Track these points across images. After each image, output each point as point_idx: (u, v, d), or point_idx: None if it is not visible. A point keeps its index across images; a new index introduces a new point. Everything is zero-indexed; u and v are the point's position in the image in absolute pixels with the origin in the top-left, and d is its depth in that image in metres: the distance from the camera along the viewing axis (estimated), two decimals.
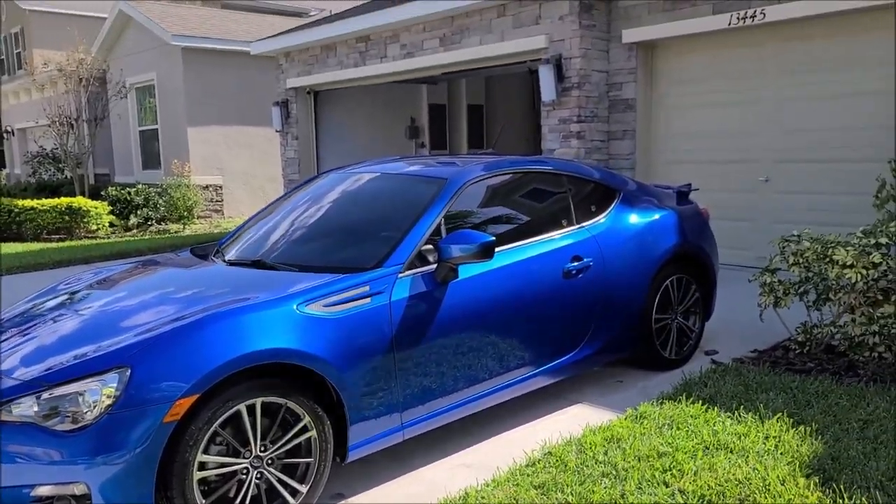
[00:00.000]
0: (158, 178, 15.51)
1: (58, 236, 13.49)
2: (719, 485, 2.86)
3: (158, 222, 14.41)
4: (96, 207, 13.71)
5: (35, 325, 3.15)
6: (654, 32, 7.68)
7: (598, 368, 4.40)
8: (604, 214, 4.24)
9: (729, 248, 6.89)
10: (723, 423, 3.46)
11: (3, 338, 3.08)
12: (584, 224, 4.11)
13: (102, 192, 14.94)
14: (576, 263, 3.89)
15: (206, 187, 15.62)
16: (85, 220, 13.49)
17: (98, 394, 2.49)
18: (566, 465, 3.13)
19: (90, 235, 13.57)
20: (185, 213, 14.41)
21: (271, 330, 2.79)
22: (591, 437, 3.39)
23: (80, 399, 2.49)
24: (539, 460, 3.22)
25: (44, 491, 2.46)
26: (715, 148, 7.67)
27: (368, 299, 3.09)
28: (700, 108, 7.77)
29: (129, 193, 14.51)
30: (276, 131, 12.68)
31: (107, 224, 13.83)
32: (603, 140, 8.38)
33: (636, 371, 4.47)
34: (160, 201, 14.34)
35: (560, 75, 8.01)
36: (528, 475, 3.07)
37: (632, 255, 4.21)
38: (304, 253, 3.66)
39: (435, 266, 3.33)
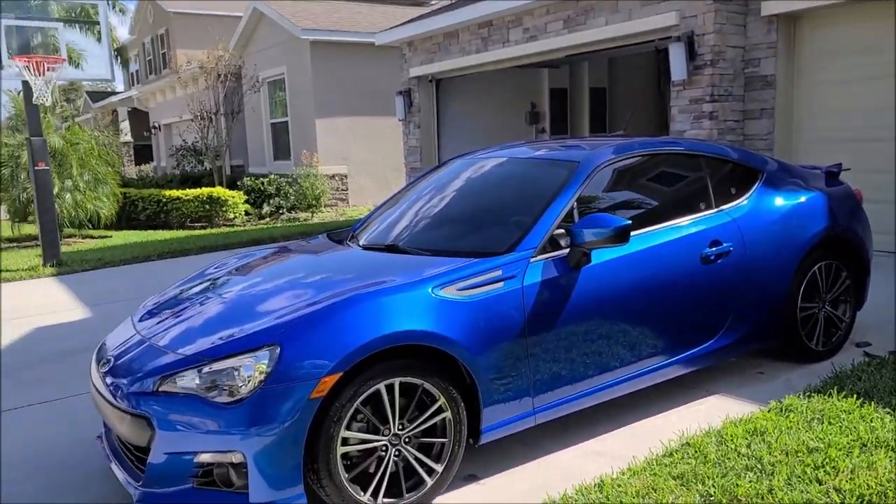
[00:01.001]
0: (288, 168, 16.26)
1: (199, 224, 14.47)
2: (880, 485, 2.66)
3: (289, 211, 15.12)
4: (233, 197, 14.57)
5: (188, 306, 3.38)
6: (798, 3, 7.18)
7: (737, 359, 4.20)
8: (745, 197, 4.03)
9: (878, 233, 6.36)
10: (881, 419, 3.22)
11: (162, 317, 3.34)
12: (723, 207, 3.92)
13: (238, 183, 15.85)
14: (714, 248, 3.73)
15: (333, 177, 16.21)
16: (223, 208, 14.38)
17: (252, 369, 2.64)
18: (706, 457, 3.01)
19: (228, 223, 14.45)
20: (314, 202, 15.03)
21: (409, 312, 2.86)
22: (732, 429, 3.25)
23: (236, 374, 2.66)
24: (677, 451, 3.13)
25: (205, 458, 2.65)
26: (863, 126, 7.09)
27: (501, 283, 3.10)
28: (847, 84, 7.20)
29: (262, 183, 15.30)
30: (399, 120, 12.94)
31: (242, 213, 14.68)
32: (737, 120, 7.95)
33: (778, 362, 4.23)
34: (290, 191, 15.03)
35: (692, 53, 7.66)
36: (665, 465, 2.99)
37: (776, 239, 3.97)
38: (435, 237, 3.72)
39: (567, 251, 3.29)
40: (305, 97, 16.10)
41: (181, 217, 14.38)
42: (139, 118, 26.80)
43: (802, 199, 4.21)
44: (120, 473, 2.95)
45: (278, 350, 2.66)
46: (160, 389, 2.73)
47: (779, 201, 4.10)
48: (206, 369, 2.70)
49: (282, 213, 15.01)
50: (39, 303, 7.30)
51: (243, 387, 2.63)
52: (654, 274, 3.52)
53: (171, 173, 19.83)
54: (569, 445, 3.40)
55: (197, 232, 13.26)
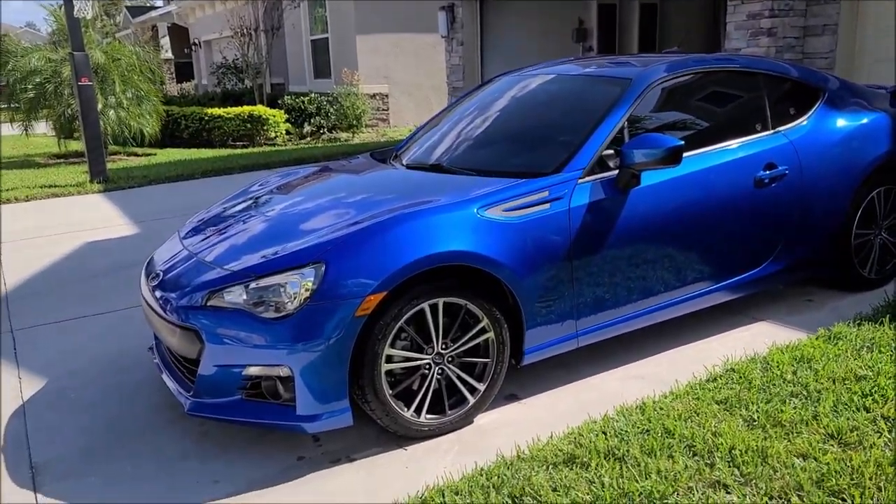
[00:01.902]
0: (329, 87, 16.07)
1: (241, 143, 14.51)
2: None
3: (329, 130, 15.03)
4: (274, 116, 14.52)
5: (233, 223, 3.40)
6: None
7: (785, 287, 4.11)
8: (804, 117, 3.84)
9: None
10: None
11: (208, 234, 3.37)
12: (780, 128, 3.76)
13: (279, 101, 15.74)
14: (769, 171, 3.59)
15: (374, 96, 15.99)
16: (264, 127, 14.36)
17: (298, 286, 2.67)
18: (751, 383, 2.99)
19: (269, 142, 14.46)
20: (354, 122, 14.90)
21: (453, 232, 2.83)
22: (777, 356, 3.21)
23: (282, 290, 2.68)
24: (721, 376, 3.11)
25: (253, 371, 2.72)
26: None
27: (548, 205, 3.05)
28: None
29: (303, 102, 15.18)
30: (442, 37, 12.60)
31: (283, 132, 14.65)
32: (797, 37, 7.54)
33: (827, 290, 4.14)
34: (331, 110, 14.89)
35: None
36: (709, 390, 2.97)
37: (835, 163, 3.81)
38: (481, 157, 3.65)
39: (616, 172, 3.20)
40: (346, 13, 15.74)
41: (223, 136, 14.42)
42: (179, 34, 26.62)
43: (865, 120, 4.01)
44: (171, 384, 3.06)
45: (324, 268, 2.68)
46: (208, 304, 2.78)
47: (840, 122, 3.91)
48: (252, 285, 2.74)
49: (322, 133, 14.94)
50: (88, 218, 7.47)
51: (289, 303, 2.67)
52: (704, 198, 3.42)
53: (213, 91, 19.78)
54: (609, 369, 3.40)
55: (239, 151, 13.31)
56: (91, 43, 11.80)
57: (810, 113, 3.87)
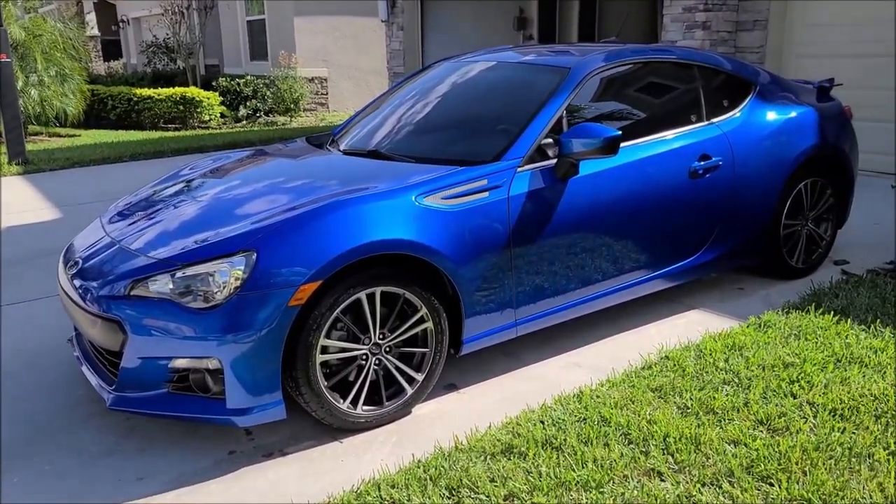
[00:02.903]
0: (265, 69, 15.68)
1: (173, 126, 14.04)
2: (853, 399, 2.71)
3: (266, 114, 14.68)
4: (208, 98, 14.09)
5: (161, 208, 3.26)
6: None
7: (718, 275, 4.21)
8: (737, 110, 3.92)
9: (865, 153, 6.30)
10: (856, 335, 3.26)
11: (134, 220, 3.22)
12: (714, 120, 3.82)
13: (213, 83, 15.29)
14: (703, 162, 3.65)
15: (312, 80, 15.69)
16: (198, 110, 13.92)
17: (227, 275, 2.56)
18: (684, 371, 3.04)
19: (202, 125, 14.03)
20: (292, 106, 14.60)
21: (391, 220, 2.77)
22: (710, 344, 3.28)
23: (211, 279, 2.57)
24: (655, 363, 3.15)
25: (180, 363, 2.60)
26: (856, 40, 6.92)
27: (486, 193, 3.01)
28: None
29: (239, 84, 14.78)
30: (382, 21, 12.44)
31: (218, 115, 14.24)
32: (730, 31, 7.72)
33: (758, 279, 4.25)
34: (268, 93, 14.54)
35: None
36: (644, 378, 3.01)
37: (765, 155, 3.90)
38: (419, 144, 3.59)
39: (554, 161, 3.19)
40: None
41: (153, 117, 13.92)
42: (106, 11, 25.49)
43: (793, 114, 4.12)
44: (92, 377, 2.91)
45: (255, 256, 2.58)
46: (132, 293, 2.65)
47: (770, 116, 4.00)
48: (179, 274, 2.62)
49: (259, 117, 14.59)
50: (5, 202, 7.09)
51: (218, 293, 2.56)
52: (642, 187, 3.45)
53: (142, 71, 19.06)
54: (548, 357, 3.41)
55: (170, 133, 12.87)
56: (10, 18, 11.18)
57: (743, 105, 3.95)
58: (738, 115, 3.89)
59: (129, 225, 3.13)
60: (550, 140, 3.24)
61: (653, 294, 3.79)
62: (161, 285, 2.62)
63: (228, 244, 2.65)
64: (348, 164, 3.50)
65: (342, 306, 2.68)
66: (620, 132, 3.12)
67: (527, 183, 3.11)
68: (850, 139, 4.43)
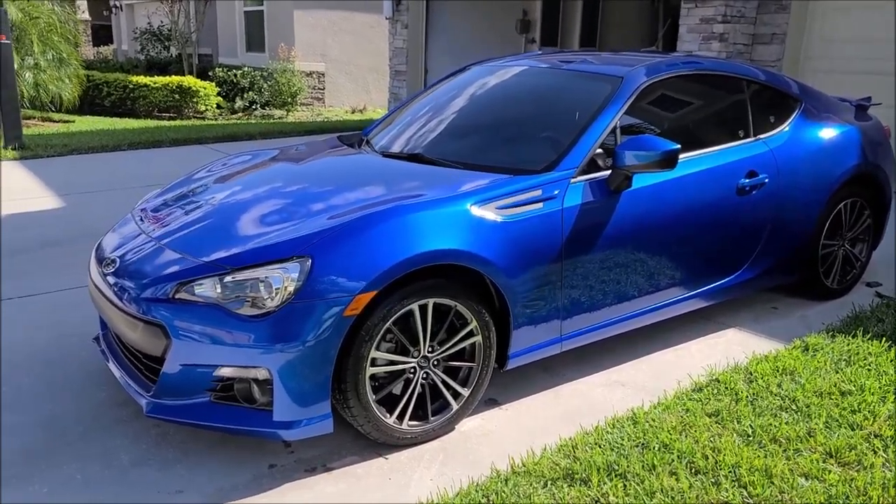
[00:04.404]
0: (261, 61, 15.45)
1: (168, 115, 13.77)
2: None
3: (262, 107, 14.46)
4: (205, 88, 13.85)
5: (199, 206, 3.09)
6: None
7: (753, 293, 4.13)
8: (783, 126, 3.84)
9: None
10: None
11: (170, 217, 3.06)
12: (761, 136, 3.74)
13: (209, 73, 15.03)
14: (750, 179, 3.56)
15: (310, 74, 15.48)
16: (194, 100, 13.68)
17: (280, 281, 2.43)
18: (737, 395, 2.95)
19: (198, 116, 13.78)
20: (289, 100, 14.39)
21: (447, 229, 2.65)
22: (760, 367, 3.19)
23: (262, 286, 2.44)
24: (706, 386, 3.06)
25: (226, 372, 2.46)
26: (879, 57, 6.89)
27: (541, 204, 2.90)
28: (866, 10, 6.94)
29: (236, 76, 14.55)
30: (386, 18, 12.27)
31: (214, 106, 14.00)
32: (747, 44, 7.68)
33: (790, 298, 4.18)
34: (265, 86, 14.33)
35: None
36: (697, 401, 2.91)
37: (809, 173, 3.83)
38: (464, 149, 3.46)
39: (608, 173, 3.08)
40: None
41: (148, 106, 13.65)
42: None
43: (836, 132, 4.05)
44: (118, 373, 2.77)
45: (310, 262, 2.44)
46: (176, 297, 2.50)
47: (815, 133, 3.94)
48: (228, 279, 2.47)
49: (255, 109, 14.36)
50: (4, 188, 6.85)
51: (269, 300, 2.42)
52: (692, 203, 3.36)
53: (135, 58, 18.72)
54: (589, 374, 3.30)
55: (167, 123, 12.61)
56: None
57: (789, 122, 3.88)
58: (784, 131, 3.82)
59: (166, 223, 2.97)
60: (601, 151, 3.13)
61: (688, 312, 3.69)
62: (208, 289, 2.48)
63: (281, 249, 2.51)
64: (392, 167, 3.36)
65: (395, 317, 2.56)
66: (679, 146, 3.02)
67: (580, 195, 3.00)
68: (889, 158, 4.38)
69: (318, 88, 15.98)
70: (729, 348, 3.54)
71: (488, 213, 2.77)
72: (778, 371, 3.15)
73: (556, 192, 2.95)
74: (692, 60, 3.85)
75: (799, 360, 3.24)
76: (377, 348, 2.57)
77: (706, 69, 3.79)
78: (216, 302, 2.45)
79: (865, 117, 4.40)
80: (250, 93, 14.38)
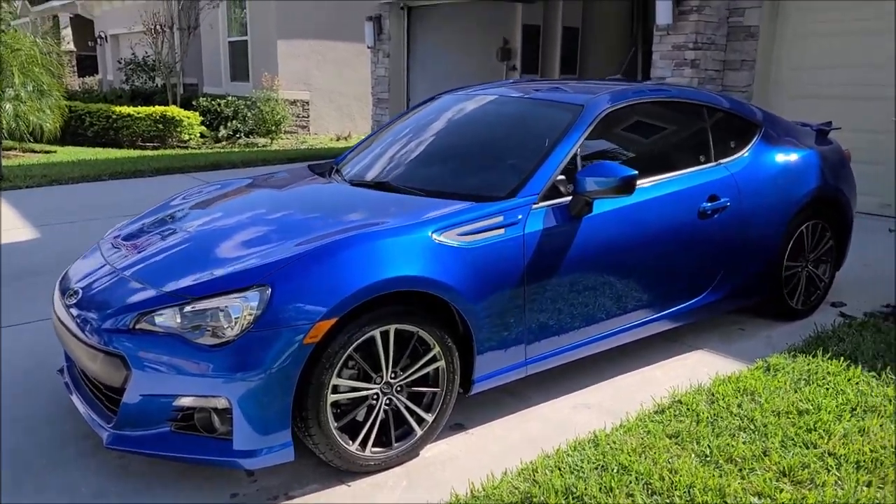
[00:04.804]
0: (246, 90, 15.55)
1: (151, 144, 13.81)
2: (873, 451, 2.67)
3: (246, 136, 14.52)
4: (189, 118, 13.91)
5: (164, 236, 3.14)
6: None
7: (720, 315, 4.18)
8: (744, 151, 3.93)
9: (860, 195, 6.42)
10: (868, 383, 3.24)
11: (135, 248, 3.09)
12: (722, 161, 3.83)
13: (193, 103, 15.11)
14: (712, 203, 3.64)
15: (294, 102, 15.58)
16: (178, 129, 13.73)
17: (240, 311, 2.46)
18: (699, 416, 2.98)
19: (182, 145, 13.83)
20: (273, 128, 14.46)
21: (409, 256, 2.69)
22: (721, 388, 3.23)
23: (222, 315, 2.46)
24: (668, 407, 3.09)
25: (186, 402, 2.48)
26: (843, 83, 7.06)
27: (503, 230, 2.95)
28: (830, 38, 7.12)
29: (220, 105, 14.63)
30: (368, 47, 12.44)
31: (198, 135, 14.05)
32: (718, 70, 7.85)
33: (757, 319, 4.24)
34: (249, 114, 14.40)
35: None
36: (658, 423, 2.95)
37: (770, 197, 3.91)
38: (430, 177, 3.52)
39: (569, 199, 3.15)
40: (267, 16, 15.30)
41: (132, 136, 13.68)
42: (83, 26, 25.18)
43: (796, 156, 4.15)
44: (82, 407, 2.77)
45: (269, 291, 2.48)
46: (136, 327, 2.53)
47: (775, 158, 4.03)
48: (188, 308, 2.50)
49: (239, 138, 14.42)
50: None
51: (230, 329, 2.45)
52: (654, 227, 3.42)
53: (120, 88, 18.78)
54: (555, 397, 3.33)
55: (150, 152, 12.65)
56: None
57: (748, 147, 3.96)
58: (745, 156, 3.91)
59: (132, 253, 3.01)
60: (563, 177, 3.20)
61: (655, 334, 3.74)
62: (168, 319, 2.50)
63: (241, 278, 2.54)
64: (358, 195, 3.42)
65: (356, 344, 2.59)
66: (636, 172, 3.09)
67: (542, 220, 3.06)
68: (849, 182, 4.48)
69: (303, 116, 16.07)
70: (695, 369, 3.58)
71: (450, 240, 2.82)
72: (739, 391, 3.19)
73: (517, 218, 3.01)
74: (653, 88, 3.94)
75: (760, 380, 3.29)
76: (339, 375, 2.59)
77: (666, 97, 3.88)
78: (176, 332, 2.48)
79: (826, 142, 4.50)
80: (234, 121, 14.46)
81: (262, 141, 14.48)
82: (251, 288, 2.49)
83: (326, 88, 16.00)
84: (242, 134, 14.47)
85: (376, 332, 2.63)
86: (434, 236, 2.79)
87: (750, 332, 4.10)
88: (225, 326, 2.46)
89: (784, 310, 4.20)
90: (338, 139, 15.34)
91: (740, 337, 4.04)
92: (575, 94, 3.74)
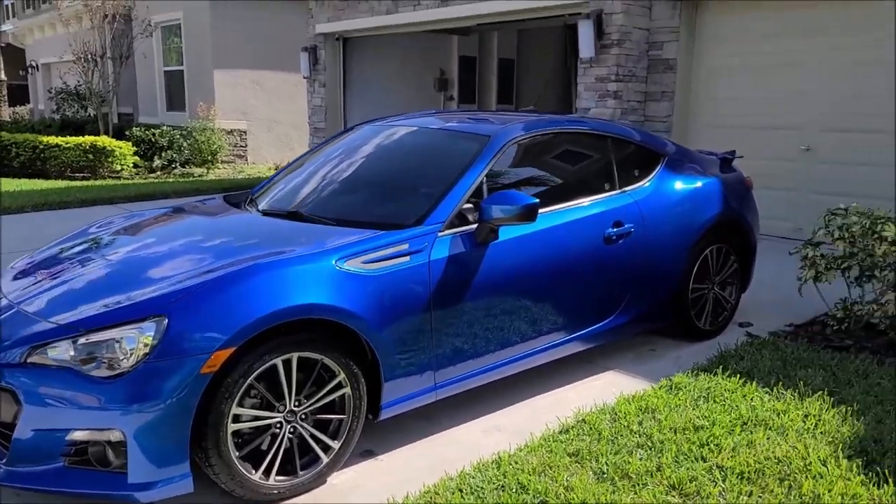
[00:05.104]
0: (183, 120, 15.40)
1: (81, 175, 13.50)
2: (758, 462, 2.80)
3: (182, 165, 14.35)
4: (120, 147, 13.67)
5: (66, 268, 3.11)
6: None
7: (632, 337, 4.32)
8: (647, 179, 4.11)
9: (766, 219, 6.68)
10: (760, 398, 3.39)
11: (35, 280, 3.05)
12: (626, 189, 3.99)
13: (126, 132, 14.86)
14: (617, 229, 3.78)
15: (231, 132, 15.49)
16: (109, 159, 13.46)
17: (135, 342, 2.45)
18: (600, 434, 3.08)
19: (114, 175, 13.56)
20: (210, 158, 14.33)
21: (310, 285, 2.73)
22: (625, 406, 3.34)
23: (117, 346, 2.45)
24: (572, 427, 3.18)
25: (79, 436, 2.45)
26: (756, 113, 7.43)
27: (408, 257, 3.02)
28: (744, 71, 7.50)
29: (154, 135, 14.43)
30: (304, 78, 12.50)
31: (130, 165, 13.80)
32: (640, 101, 8.15)
33: (669, 340, 4.39)
34: (184, 144, 14.24)
35: (600, 32, 7.75)
36: (561, 442, 3.03)
37: (673, 222, 4.09)
38: (340, 206, 3.58)
39: (475, 226, 3.24)
40: (203, 45, 15.23)
41: (60, 166, 13.34)
42: (13, 55, 24.61)
43: (699, 184, 4.35)
44: None
45: (166, 321, 2.48)
46: (28, 361, 2.49)
47: (678, 185, 4.21)
48: (82, 340, 2.48)
49: (174, 168, 14.22)
50: None
51: (125, 360, 2.44)
52: (559, 252, 3.54)
53: (50, 118, 18.36)
54: (468, 421, 3.39)
55: (78, 183, 12.36)
56: None
57: (652, 175, 4.14)
58: (648, 184, 4.08)
59: (30, 286, 2.96)
60: (471, 205, 3.29)
61: (572, 356, 3.85)
62: (61, 352, 2.47)
63: (137, 309, 2.54)
64: (267, 225, 3.45)
65: (256, 373, 2.60)
66: (538, 200, 3.20)
67: (447, 247, 3.14)
68: (751, 208, 4.71)
69: (241, 146, 15.98)
70: (605, 390, 3.69)
71: (354, 268, 2.87)
72: (641, 410, 3.30)
73: (423, 245, 3.08)
74: (560, 120, 4.10)
75: (662, 398, 3.41)
76: (240, 404, 2.59)
77: (572, 128, 4.04)
78: (69, 364, 2.45)
79: (729, 169, 4.73)
80: (169, 151, 14.27)
81: (198, 171, 14.32)
82: (147, 319, 2.49)
83: (265, 118, 15.97)
84: (178, 164, 14.29)
85: (278, 361, 2.65)
86: (338, 264, 2.83)
87: (660, 353, 4.24)
88: (120, 358, 2.44)
89: (693, 331, 4.37)
90: (276, 168, 15.28)
91: (651, 357, 4.18)
92: (485, 125, 3.86)
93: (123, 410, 2.41)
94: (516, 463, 2.85)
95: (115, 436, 2.43)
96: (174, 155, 14.22)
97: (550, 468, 2.80)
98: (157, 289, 2.65)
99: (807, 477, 2.70)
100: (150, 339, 2.45)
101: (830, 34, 6.78)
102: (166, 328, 2.46)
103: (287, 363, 2.68)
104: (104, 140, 13.64)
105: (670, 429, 3.09)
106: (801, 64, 7.01)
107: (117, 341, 2.46)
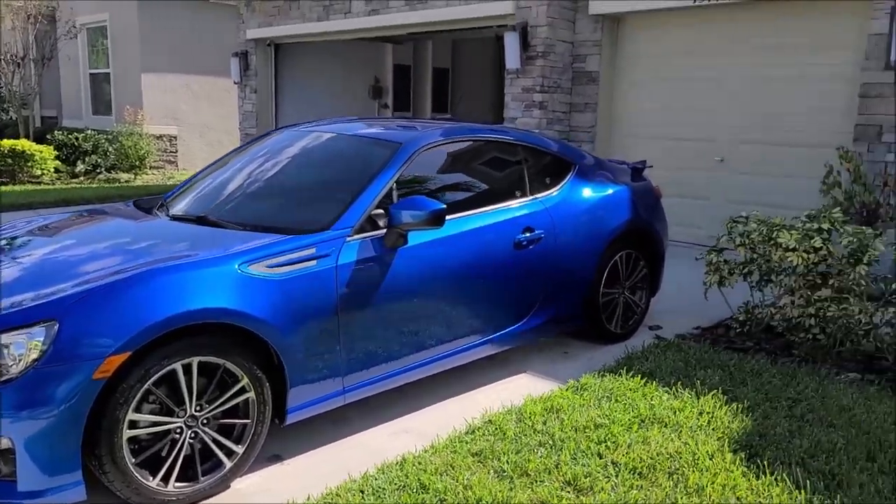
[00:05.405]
0: (109, 124, 14.98)
1: (0, 180, 12.98)
2: (651, 458, 2.92)
3: (108, 170, 13.94)
4: (41, 152, 13.19)
5: None
6: (622, 6, 7.63)
7: (546, 339, 4.42)
8: (558, 187, 4.23)
9: (683, 226, 7.01)
10: (660, 397, 3.53)
11: None
12: (537, 196, 4.10)
13: (48, 136, 14.38)
14: (527, 234, 3.88)
15: (160, 137, 15.14)
16: (29, 164, 12.98)
17: (23, 347, 2.40)
18: (505, 434, 3.15)
19: (34, 181, 13.08)
20: (137, 163, 13.97)
21: (211, 289, 2.72)
22: (531, 407, 3.43)
23: (5, 352, 2.40)
24: (479, 428, 3.24)
25: None
26: (674, 125, 7.72)
27: (314, 262, 3.04)
28: (662, 85, 7.79)
29: (77, 139, 14.00)
30: (235, 83, 12.35)
31: (52, 170, 13.34)
32: (565, 112, 8.36)
33: (583, 343, 4.52)
34: (110, 149, 13.85)
35: (525, 43, 7.93)
36: (466, 442, 3.09)
37: (583, 228, 4.22)
38: (250, 211, 3.57)
39: (384, 231, 3.28)
40: (131, 48, 14.86)
41: None
42: None
43: (609, 192, 4.50)
44: None
45: (56, 326, 2.43)
46: None
47: (588, 193, 4.35)
48: None
49: (99, 173, 13.80)
50: None
51: (13, 366, 2.39)
52: (469, 257, 3.61)
53: None
54: (378, 423, 3.42)
55: None
56: None
57: (562, 183, 4.27)
58: (556, 192, 4.20)
59: None
60: (381, 211, 3.33)
61: (485, 358, 3.93)
62: None
63: (27, 314, 2.48)
64: (173, 230, 3.41)
65: (154, 378, 2.58)
66: (445, 206, 3.27)
67: (356, 252, 3.17)
68: (660, 215, 4.89)
69: (171, 151, 15.63)
70: (516, 392, 3.77)
71: (258, 272, 2.87)
72: (547, 410, 3.39)
73: (330, 250, 3.10)
74: (473, 128, 4.18)
75: (567, 398, 3.51)
76: (137, 410, 2.57)
77: (483, 136, 4.13)
78: None
79: (639, 178, 4.90)
80: (93, 156, 13.85)
81: (125, 176, 13.94)
82: (37, 324, 2.44)
83: (196, 123, 15.66)
84: (103, 169, 13.88)
85: (177, 365, 2.63)
86: (240, 268, 2.83)
87: (573, 355, 4.36)
88: (9, 364, 2.39)
89: (604, 333, 4.51)
90: None
91: (564, 359, 4.29)
92: (399, 132, 3.92)
93: (12, 418, 2.36)
94: (420, 464, 2.90)
95: (3, 443, 2.37)
96: (99, 160, 13.81)
97: (453, 468, 2.86)
98: (50, 294, 2.59)
99: (693, 470, 2.83)
100: (40, 344, 2.41)
101: (743, 52, 7.10)
102: (57, 333, 2.42)
103: (187, 368, 2.66)
104: (24, 144, 13.15)
105: (572, 427, 3.19)
106: (717, 79, 7.32)
107: (5, 346, 2.40)
